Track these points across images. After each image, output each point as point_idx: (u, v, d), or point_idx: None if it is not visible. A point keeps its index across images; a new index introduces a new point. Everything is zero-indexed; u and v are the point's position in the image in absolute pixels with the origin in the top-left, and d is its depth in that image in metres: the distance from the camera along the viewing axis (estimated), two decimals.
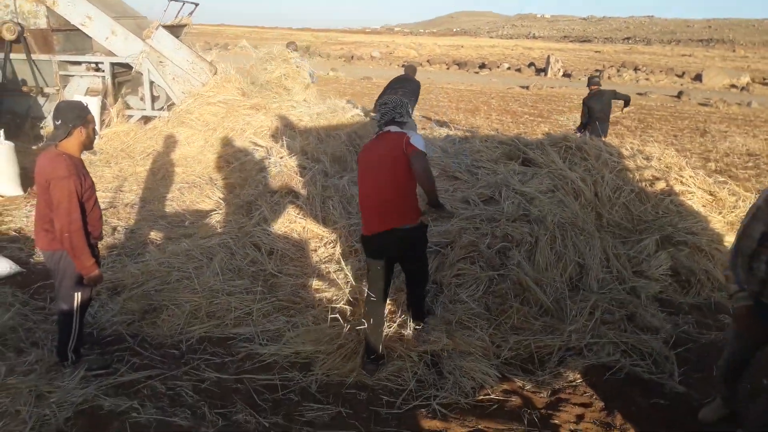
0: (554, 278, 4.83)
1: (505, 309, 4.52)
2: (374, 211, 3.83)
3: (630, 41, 63.59)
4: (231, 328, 4.30)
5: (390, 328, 4.25)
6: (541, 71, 31.09)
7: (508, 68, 33.93)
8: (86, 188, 3.47)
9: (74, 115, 3.44)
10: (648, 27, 79.43)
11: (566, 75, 29.74)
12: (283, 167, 6.70)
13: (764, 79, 27.83)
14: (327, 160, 7.35)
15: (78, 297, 3.60)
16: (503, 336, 4.26)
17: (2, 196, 7.01)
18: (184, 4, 10.57)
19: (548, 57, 31.76)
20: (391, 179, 3.75)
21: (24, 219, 6.28)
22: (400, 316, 4.35)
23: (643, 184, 6.40)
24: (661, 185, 6.41)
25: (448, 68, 34.87)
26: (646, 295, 4.88)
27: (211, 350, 4.04)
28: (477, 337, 4.15)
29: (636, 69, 32.85)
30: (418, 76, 9.13)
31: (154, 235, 5.96)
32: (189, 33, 11.58)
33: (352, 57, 39.82)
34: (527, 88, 23.14)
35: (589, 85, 9.05)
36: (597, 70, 30.87)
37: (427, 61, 37.92)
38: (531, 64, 34.54)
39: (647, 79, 28.60)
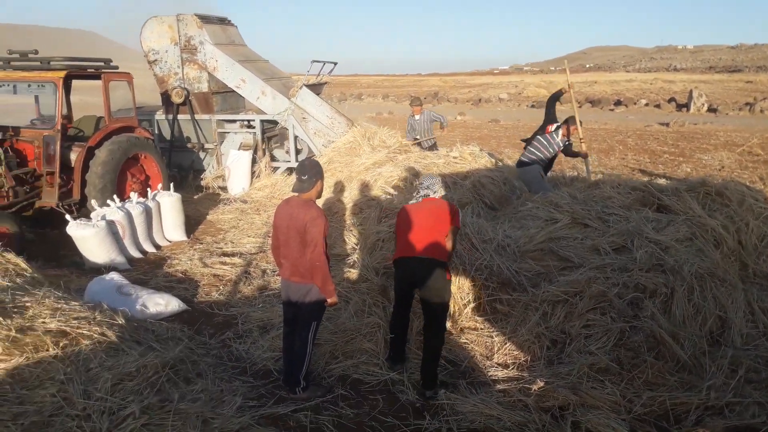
0: (692, 332, 4.64)
1: (637, 363, 4.42)
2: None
3: None
4: (366, 367, 4.63)
5: (516, 382, 4.34)
6: (683, 107, 29.33)
7: (646, 104, 32.41)
8: (327, 227, 4.14)
9: (317, 170, 4.17)
10: None
11: (711, 110, 27.78)
12: None
13: None
14: None
15: (314, 326, 4.22)
16: (635, 391, 4.17)
17: (170, 242, 8.04)
18: (324, 64, 11.54)
19: (690, 91, 29.93)
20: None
21: (188, 262, 7.17)
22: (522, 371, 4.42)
23: None
24: None
25: (580, 106, 34.00)
26: None
27: (348, 388, 4.40)
28: (607, 391, 4.10)
29: None
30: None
31: None
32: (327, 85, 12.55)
33: (480, 100, 40.23)
34: (667, 125, 21.98)
35: None
36: None
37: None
38: (671, 100, 32.70)
39: None
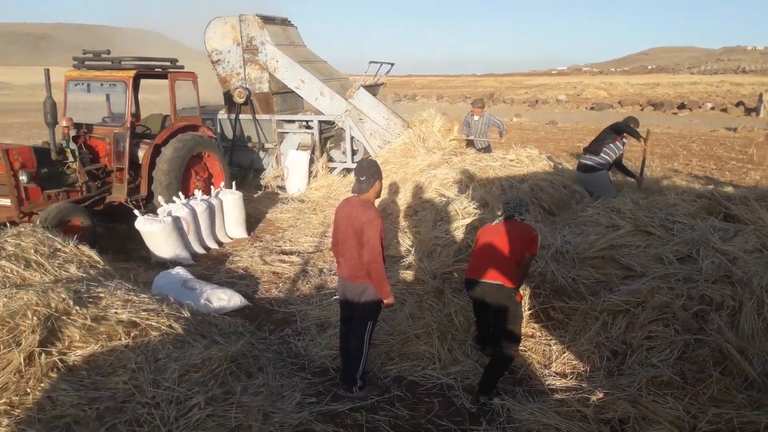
0: (762, 348, 4.45)
1: (702, 378, 4.27)
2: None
3: None
4: (421, 370, 4.66)
5: (574, 392, 4.27)
6: (752, 111, 28.02)
7: (712, 108, 31.11)
8: (384, 229, 4.18)
9: (374, 170, 4.20)
10: None
11: None
12: (464, 217, 7.02)
13: None
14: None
15: (370, 326, 4.29)
16: (700, 407, 4.03)
17: (232, 239, 8.28)
18: (381, 65, 11.61)
19: (761, 95, 28.56)
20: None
21: (249, 259, 7.36)
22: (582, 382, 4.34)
23: None
24: None
25: (642, 109, 32.96)
26: None
27: (404, 389, 4.45)
28: (669, 405, 3.99)
29: None
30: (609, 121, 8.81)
31: None
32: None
33: (537, 101, 39.54)
34: (735, 130, 21.05)
35: None
36: None
37: (619, 102, 36.26)
38: (740, 103, 31.30)
39: None
